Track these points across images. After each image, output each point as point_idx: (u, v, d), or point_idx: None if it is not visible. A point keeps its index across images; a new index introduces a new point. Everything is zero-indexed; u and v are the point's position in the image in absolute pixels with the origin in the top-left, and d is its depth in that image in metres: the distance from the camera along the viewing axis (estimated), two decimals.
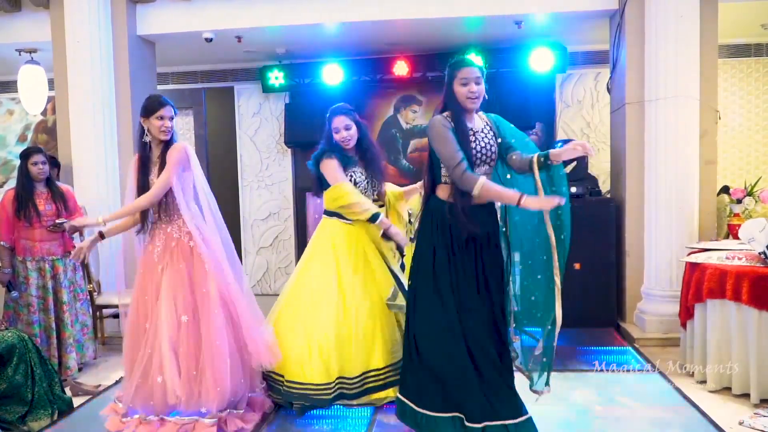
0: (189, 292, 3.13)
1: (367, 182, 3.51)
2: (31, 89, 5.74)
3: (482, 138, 2.79)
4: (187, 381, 3.07)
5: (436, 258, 2.81)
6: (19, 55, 5.66)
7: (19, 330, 3.60)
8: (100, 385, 3.95)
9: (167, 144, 3.22)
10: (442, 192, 2.82)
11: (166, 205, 3.20)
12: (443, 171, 2.80)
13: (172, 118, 3.20)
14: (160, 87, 6.09)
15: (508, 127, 2.89)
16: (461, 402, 2.75)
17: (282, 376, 3.33)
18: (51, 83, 5.65)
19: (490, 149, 2.80)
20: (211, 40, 5.40)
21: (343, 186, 3.40)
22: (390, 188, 3.70)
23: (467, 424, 2.72)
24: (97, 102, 4.94)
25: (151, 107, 3.18)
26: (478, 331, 2.76)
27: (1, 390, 3.26)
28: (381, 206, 3.57)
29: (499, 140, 2.84)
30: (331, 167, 3.44)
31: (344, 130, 3.45)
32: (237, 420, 3.16)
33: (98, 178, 4.90)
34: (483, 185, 2.66)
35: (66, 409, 3.48)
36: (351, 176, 3.47)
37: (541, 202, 2.64)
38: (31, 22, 5.33)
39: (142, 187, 3.19)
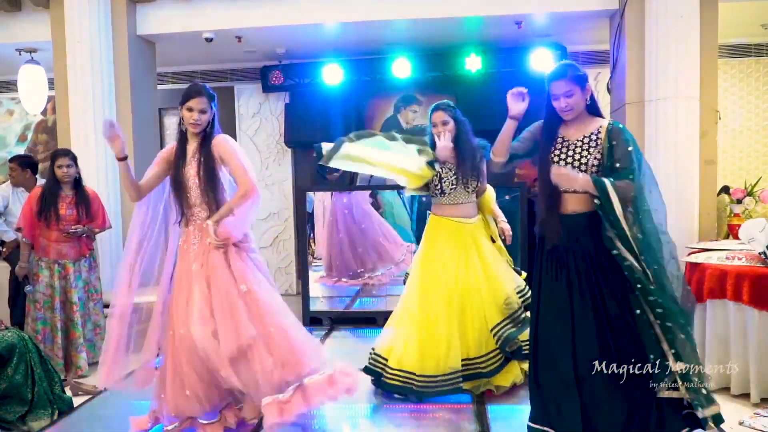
0: (236, 295, 2.95)
1: (456, 178, 3.56)
2: (31, 89, 5.74)
3: (572, 147, 2.73)
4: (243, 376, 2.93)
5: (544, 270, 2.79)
6: (19, 55, 5.66)
7: (18, 330, 3.60)
8: None
9: (205, 138, 3.01)
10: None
11: (207, 199, 3.00)
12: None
13: (203, 111, 2.96)
14: (160, 87, 6.07)
15: (622, 152, 2.68)
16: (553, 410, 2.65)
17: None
18: (51, 83, 5.64)
19: (579, 160, 2.70)
20: (211, 40, 5.40)
21: None
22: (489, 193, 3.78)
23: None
24: (97, 102, 4.94)
25: (184, 96, 2.98)
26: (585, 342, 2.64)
27: (1, 390, 3.26)
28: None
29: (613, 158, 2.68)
30: None
31: (441, 125, 3.56)
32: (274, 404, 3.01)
33: (98, 178, 4.89)
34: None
35: (66, 409, 3.47)
36: (439, 171, 3.57)
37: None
38: (31, 22, 5.32)
39: (177, 179, 3.01)
